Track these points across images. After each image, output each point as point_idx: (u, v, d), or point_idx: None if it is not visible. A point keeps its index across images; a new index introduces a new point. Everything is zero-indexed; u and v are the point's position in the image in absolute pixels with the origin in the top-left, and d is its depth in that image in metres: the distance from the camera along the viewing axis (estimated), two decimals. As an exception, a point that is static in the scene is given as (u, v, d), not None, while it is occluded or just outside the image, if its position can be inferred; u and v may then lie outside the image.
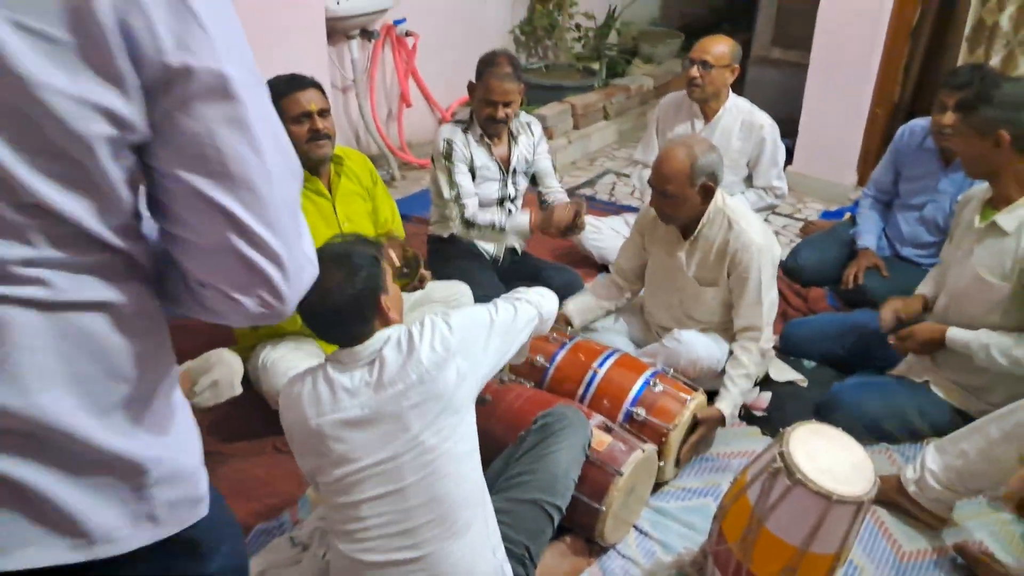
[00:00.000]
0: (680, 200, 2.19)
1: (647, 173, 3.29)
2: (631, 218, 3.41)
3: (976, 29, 3.42)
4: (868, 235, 3.05)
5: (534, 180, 3.03)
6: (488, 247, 2.98)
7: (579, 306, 2.55)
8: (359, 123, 4.27)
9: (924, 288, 2.45)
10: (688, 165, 2.14)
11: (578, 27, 5.34)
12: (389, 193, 2.58)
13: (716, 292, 2.34)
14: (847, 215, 3.81)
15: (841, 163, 4.10)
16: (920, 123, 2.93)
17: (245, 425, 2.27)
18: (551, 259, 3.29)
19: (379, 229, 2.46)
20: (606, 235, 3.35)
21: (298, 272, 0.83)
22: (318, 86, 2.21)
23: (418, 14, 4.26)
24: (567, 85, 4.98)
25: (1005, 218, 2.09)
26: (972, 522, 2.03)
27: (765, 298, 2.23)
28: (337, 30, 3.88)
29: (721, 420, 2.21)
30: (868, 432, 2.28)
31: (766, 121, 3.11)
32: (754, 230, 2.24)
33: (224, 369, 2.03)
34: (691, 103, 3.14)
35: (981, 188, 2.28)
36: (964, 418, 2.25)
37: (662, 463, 2.07)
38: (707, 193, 2.20)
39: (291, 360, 2.19)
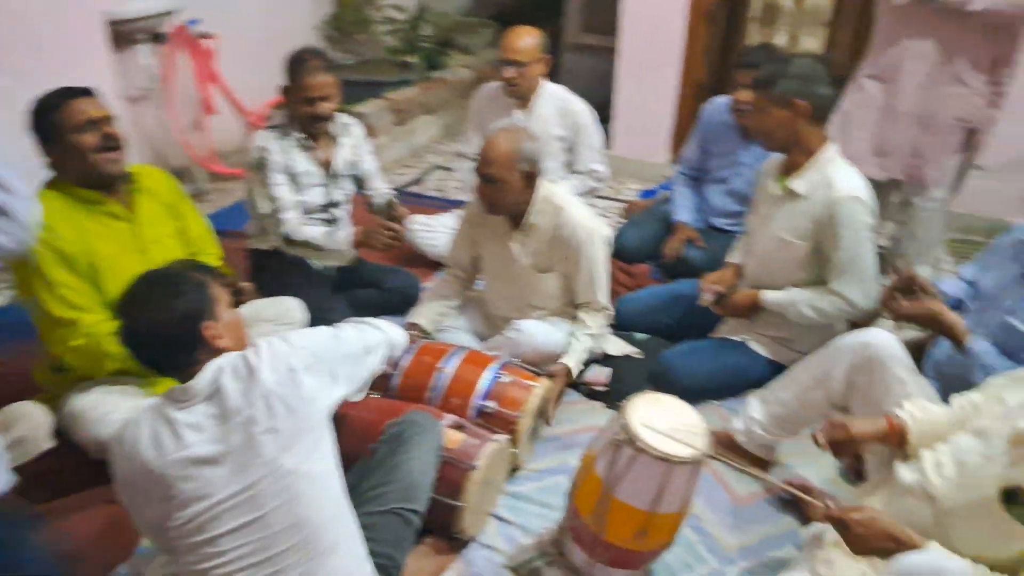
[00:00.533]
0: (502, 185, 2.23)
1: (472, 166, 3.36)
2: (461, 213, 3.44)
3: (764, 11, 3.71)
4: (683, 210, 3.25)
5: (360, 183, 2.98)
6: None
7: (427, 312, 2.55)
8: (158, 135, 3.98)
9: (734, 257, 2.66)
10: (511, 150, 2.19)
11: (390, 20, 5.28)
12: (197, 208, 2.41)
13: (553, 278, 2.41)
14: (662, 192, 4.05)
15: (655, 143, 4.34)
16: (721, 100, 3.16)
17: (65, 480, 2.04)
18: (384, 261, 3.25)
19: (191, 248, 2.31)
20: (438, 232, 3.36)
21: None
22: (94, 95, 2.03)
23: (214, 14, 4.00)
24: (384, 80, 4.93)
25: (798, 182, 2.29)
26: (792, 460, 2.24)
27: (600, 276, 2.34)
28: (122, 35, 3.58)
29: (568, 373, 2.32)
30: (698, 392, 2.45)
31: (581, 106, 3.23)
32: (582, 214, 2.34)
33: (29, 423, 1.86)
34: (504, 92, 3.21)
35: (776, 159, 2.50)
36: (779, 369, 2.48)
37: (515, 450, 2.12)
38: (529, 180, 2.26)
39: (105, 404, 2.01)
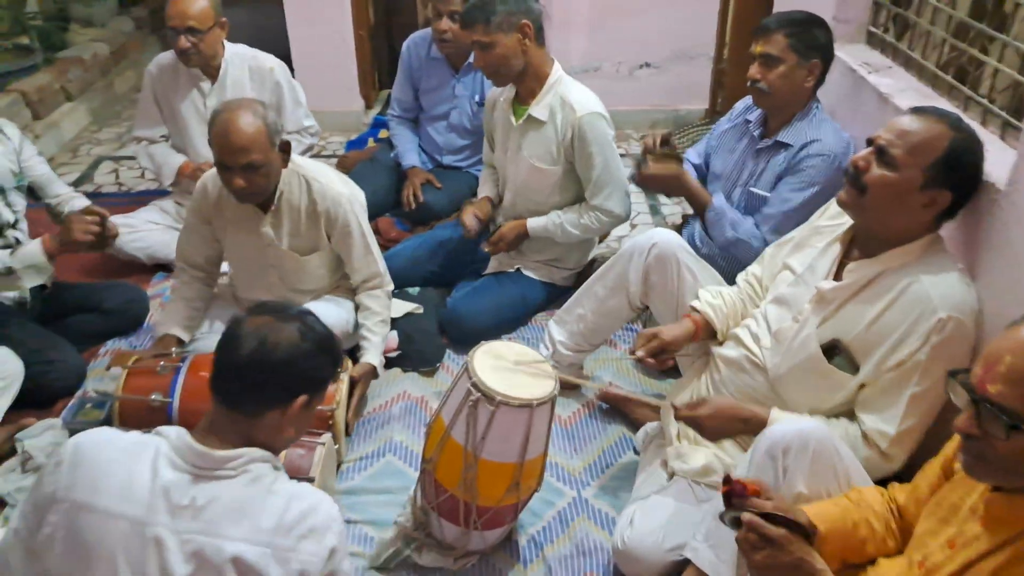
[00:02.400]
0: (267, 168, 1.95)
1: (159, 149, 2.91)
2: (165, 203, 3.01)
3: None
4: (409, 154, 3.15)
5: (34, 194, 2.43)
6: (8, 294, 2.34)
7: (178, 319, 2.19)
8: None
9: (484, 191, 2.64)
10: (263, 125, 1.90)
11: (-14, -2, 4.34)
12: None
13: (319, 256, 2.19)
14: (370, 141, 3.90)
15: (344, 91, 4.14)
16: (421, 35, 3.07)
17: None
18: (91, 279, 2.73)
19: None
20: (144, 231, 2.89)
21: None
22: None
23: None
24: (4, 70, 4.06)
25: (537, 110, 2.32)
26: (596, 371, 2.35)
27: (372, 245, 2.18)
28: None
29: (374, 372, 2.17)
30: (489, 330, 2.44)
31: (274, 62, 2.93)
32: (335, 183, 2.14)
33: None
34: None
35: (500, 89, 2.50)
36: (555, 289, 2.57)
37: (337, 445, 1.94)
38: (286, 151, 2.01)
39: None
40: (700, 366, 1.87)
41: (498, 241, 2.45)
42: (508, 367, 1.62)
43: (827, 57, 2.05)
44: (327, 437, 1.85)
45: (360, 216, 2.17)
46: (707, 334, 1.81)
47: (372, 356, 2.15)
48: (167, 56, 2.86)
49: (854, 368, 1.52)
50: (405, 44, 3.13)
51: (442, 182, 3.09)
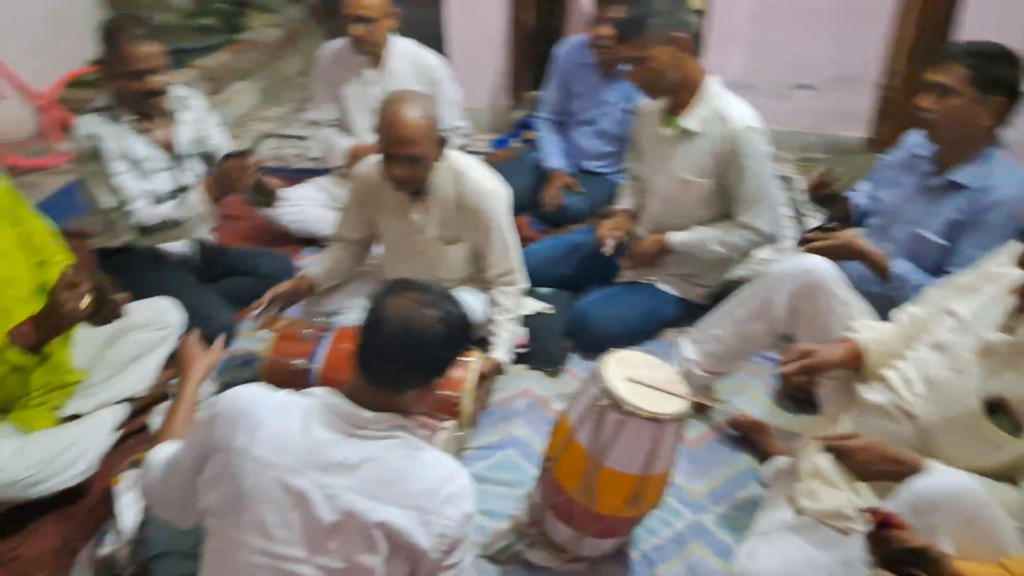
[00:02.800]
0: (426, 160, 2.03)
1: (331, 133, 3.07)
2: (323, 181, 3.17)
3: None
4: (553, 156, 3.18)
5: (211, 161, 2.62)
6: (175, 246, 2.54)
7: (320, 268, 2.32)
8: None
9: (624, 203, 2.63)
10: (429, 119, 1.98)
11: (182, -19, 4.71)
12: (36, 210, 2.01)
13: (461, 247, 2.25)
14: (513, 142, 3.96)
15: (494, 90, 4.22)
16: (576, 39, 3.09)
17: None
18: (248, 245, 2.92)
19: (38, 256, 1.92)
20: (301, 206, 3.06)
21: None
22: None
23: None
24: (189, 47, 4.40)
25: (690, 121, 2.28)
26: (727, 395, 2.29)
27: (513, 241, 2.22)
28: None
29: (499, 368, 2.19)
30: (617, 339, 2.41)
31: (435, 60, 3.04)
32: (483, 176, 2.18)
33: None
34: (352, 50, 2.95)
35: (650, 100, 2.47)
36: (689, 305, 2.52)
37: (461, 433, 1.98)
38: (443, 145, 2.08)
39: None
40: (841, 403, 1.79)
41: (638, 256, 2.44)
42: (641, 378, 1.60)
43: (1013, 95, 1.89)
44: (449, 423, 1.89)
45: (504, 212, 2.22)
46: (857, 365, 1.73)
47: (500, 352, 2.18)
48: (337, 43, 3.02)
49: (1016, 429, 1.41)
50: (559, 48, 3.16)
51: (583, 187, 3.10)
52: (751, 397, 2.29)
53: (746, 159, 2.21)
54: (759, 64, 3.82)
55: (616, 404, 1.53)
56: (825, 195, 2.16)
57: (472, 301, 2.26)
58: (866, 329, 1.74)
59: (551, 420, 2.09)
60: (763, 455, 2.04)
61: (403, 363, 1.27)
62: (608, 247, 2.46)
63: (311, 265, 2.38)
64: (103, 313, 1.76)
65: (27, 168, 3.61)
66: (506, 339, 2.20)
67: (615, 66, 2.96)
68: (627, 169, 2.69)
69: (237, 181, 2.30)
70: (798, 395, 2.22)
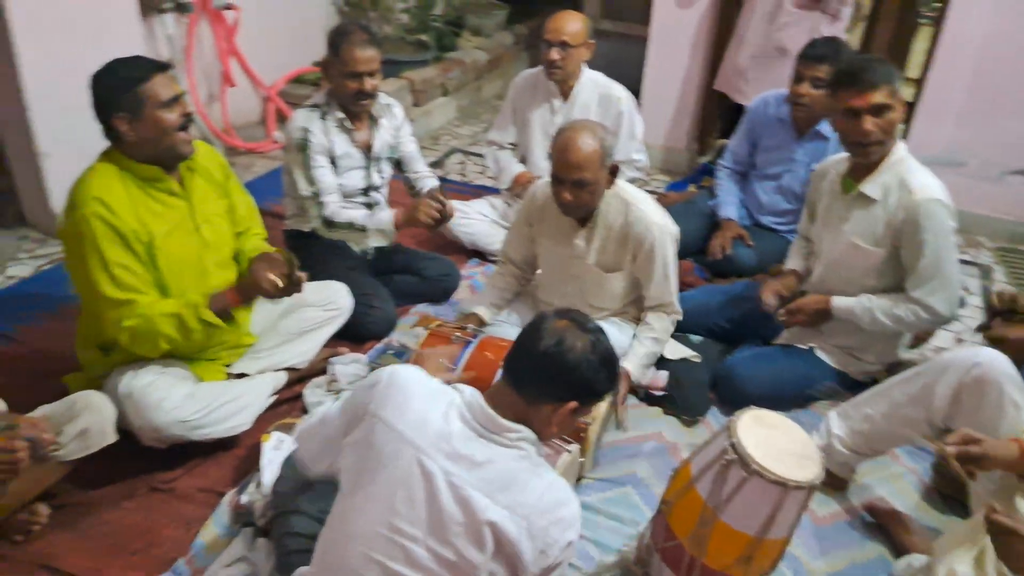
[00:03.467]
0: (595, 186, 2.10)
1: (504, 155, 3.21)
2: (496, 200, 3.31)
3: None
4: (729, 206, 3.14)
5: (399, 166, 2.82)
6: (355, 245, 2.75)
7: (485, 301, 2.42)
8: (177, 106, 3.81)
9: (792, 263, 2.55)
10: (599, 147, 2.04)
11: (406, -1, 5.09)
12: (242, 185, 2.26)
13: (620, 277, 2.28)
14: (690, 186, 3.94)
15: (681, 133, 4.22)
16: (774, 94, 3.04)
17: (110, 466, 1.92)
18: (420, 247, 3.10)
19: (238, 227, 2.16)
20: (473, 220, 3.22)
21: None
22: (171, 71, 1.88)
23: (235, -15, 3.85)
24: (402, 60, 4.74)
25: (870, 187, 2.18)
26: (870, 479, 2.15)
27: (673, 277, 2.22)
28: (149, 4, 3.42)
29: (628, 376, 2.21)
30: (762, 401, 2.32)
31: (623, 94, 3.09)
32: (652, 209, 2.21)
33: (94, 415, 1.73)
34: (546, 81, 3.06)
35: (834, 161, 2.39)
36: (845, 379, 2.39)
37: (582, 459, 2.00)
38: (614, 174, 2.13)
39: (162, 387, 1.90)
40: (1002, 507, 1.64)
41: (796, 312, 2.34)
42: (774, 439, 1.56)
43: None
44: (574, 447, 1.92)
45: (668, 246, 2.23)
46: (1022, 473, 1.58)
47: (631, 362, 2.20)
48: (532, 72, 3.16)
49: None
50: (755, 100, 3.12)
51: (755, 241, 3.03)
52: (898, 488, 2.12)
53: (925, 232, 2.09)
54: (971, 142, 3.54)
55: (743, 460, 1.50)
56: (1006, 310, 1.97)
57: (618, 335, 2.28)
58: (1043, 437, 1.58)
59: (676, 466, 2.07)
60: (898, 549, 1.89)
61: (548, 374, 1.34)
62: (770, 305, 2.40)
63: (474, 300, 2.51)
64: (284, 285, 1.95)
65: (241, 149, 4.03)
66: (642, 354, 2.20)
67: (811, 125, 2.89)
68: (799, 229, 2.61)
69: (423, 219, 2.49)
70: (950, 493, 2.05)
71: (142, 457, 1.96)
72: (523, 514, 1.26)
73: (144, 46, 3.28)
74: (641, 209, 2.19)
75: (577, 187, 2.08)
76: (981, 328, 1.96)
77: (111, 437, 1.76)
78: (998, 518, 1.37)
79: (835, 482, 2.07)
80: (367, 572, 1.28)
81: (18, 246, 3.07)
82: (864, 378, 2.39)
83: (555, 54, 2.91)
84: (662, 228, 2.19)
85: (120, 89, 1.77)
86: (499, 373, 1.97)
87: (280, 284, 1.87)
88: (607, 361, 1.38)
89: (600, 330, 1.40)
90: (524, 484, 1.28)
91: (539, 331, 1.35)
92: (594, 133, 2.05)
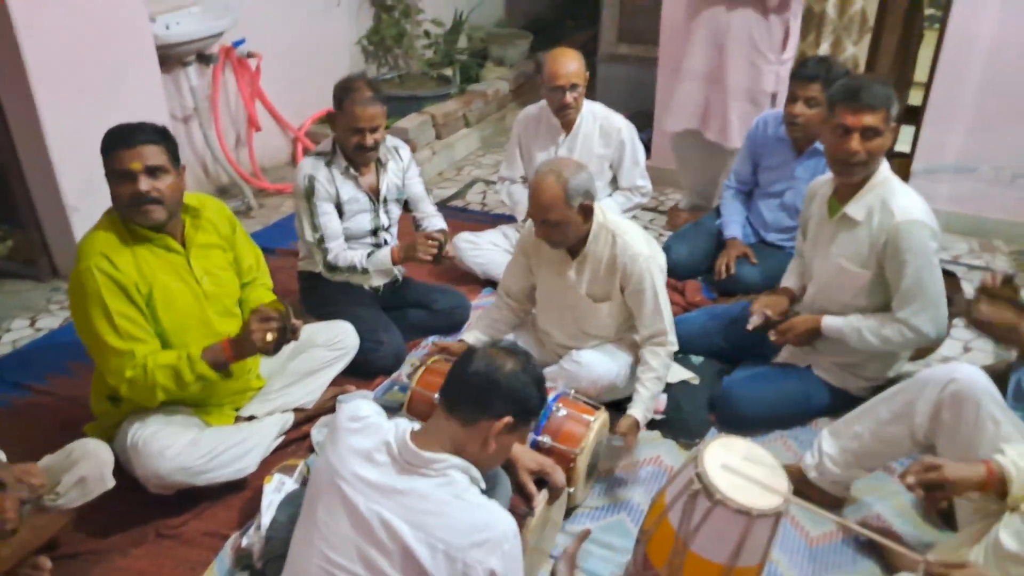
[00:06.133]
0: (564, 225, 2.17)
1: (516, 189, 3.30)
2: (508, 230, 3.39)
3: (806, 18, 3.60)
4: (734, 225, 3.16)
5: (407, 206, 2.93)
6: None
7: (477, 331, 2.49)
8: (205, 153, 4.02)
9: (788, 281, 2.56)
10: (561, 190, 2.12)
11: (427, 34, 5.24)
12: (250, 237, 2.36)
13: (610, 307, 2.34)
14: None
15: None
16: (772, 114, 3.06)
17: (118, 513, 2.03)
18: (431, 280, 3.20)
19: (244, 278, 2.28)
20: (485, 250, 3.30)
21: None
22: (156, 140, 1.92)
23: (257, 33, 4.05)
24: (424, 95, 4.89)
25: (854, 208, 2.19)
26: (868, 497, 2.14)
27: (664, 306, 2.26)
28: (171, 58, 3.62)
29: (636, 426, 2.21)
30: (761, 421, 2.37)
31: (622, 123, 3.16)
32: (639, 241, 2.25)
33: (92, 463, 1.80)
34: (549, 115, 3.14)
35: (822, 181, 2.40)
36: (845, 396, 2.38)
37: (572, 489, 2.04)
38: (587, 212, 2.19)
39: (165, 436, 1.99)
40: (980, 531, 1.63)
41: (787, 331, 2.35)
42: (742, 467, 1.59)
43: None
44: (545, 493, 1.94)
45: (656, 276, 2.27)
46: (998, 493, 1.57)
47: (637, 409, 2.21)
48: (535, 108, 3.24)
49: None
50: (755, 120, 3.14)
51: (760, 259, 3.05)
52: (895, 505, 2.11)
53: (906, 254, 2.08)
54: (982, 148, 3.47)
55: (707, 490, 1.53)
56: (1005, 295, 1.95)
57: (610, 363, 2.32)
58: (1016, 455, 1.57)
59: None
60: (890, 569, 1.89)
61: (480, 390, 1.47)
62: (753, 321, 2.41)
63: (466, 329, 2.59)
64: (284, 334, 2.04)
65: (270, 191, 4.21)
66: (645, 398, 2.23)
67: (809, 143, 2.90)
68: (795, 247, 2.62)
69: (418, 256, 2.63)
70: (942, 511, 2.03)
71: (152, 504, 2.05)
72: (440, 537, 1.36)
73: (165, 100, 3.45)
74: (625, 240, 2.24)
75: (547, 226, 2.17)
76: (967, 310, 1.95)
77: (109, 483, 1.83)
78: (935, 570, 1.42)
79: (830, 501, 2.07)
80: None
81: (49, 297, 3.23)
82: (863, 394, 2.37)
83: (569, 98, 2.99)
84: (648, 258, 2.24)
85: (102, 155, 1.90)
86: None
87: (271, 339, 1.93)
88: (537, 379, 1.54)
89: (529, 355, 1.57)
90: (444, 510, 1.38)
91: (470, 359, 1.51)
92: (559, 176, 2.13)
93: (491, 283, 3.27)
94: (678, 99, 3.59)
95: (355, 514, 1.39)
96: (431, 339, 2.92)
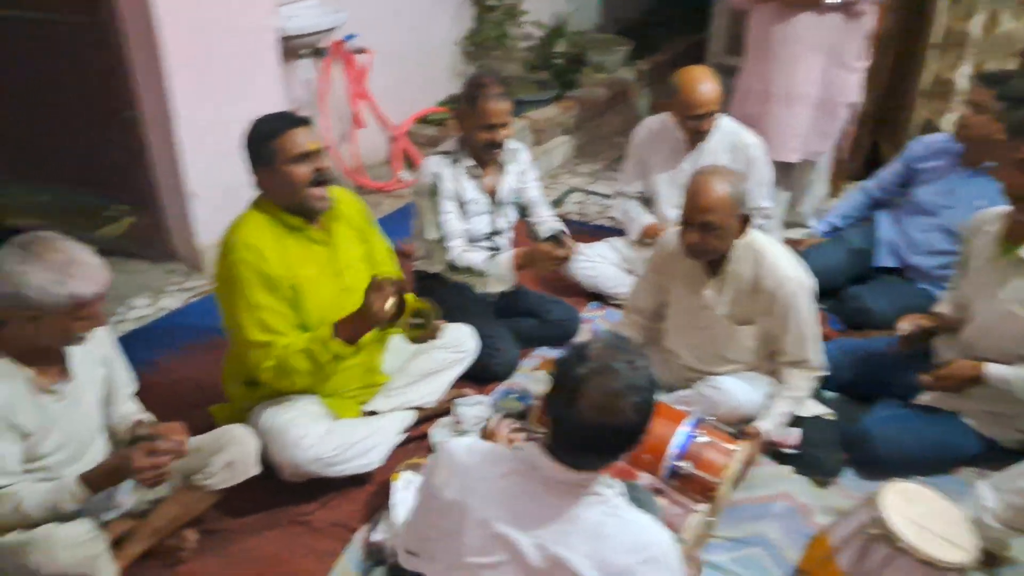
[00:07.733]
0: (723, 231, 2.07)
1: (632, 206, 3.19)
2: (617, 242, 3.29)
3: (946, 37, 3.44)
4: (835, 217, 3.18)
5: (523, 210, 2.87)
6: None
7: None
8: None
9: (942, 307, 2.41)
10: (729, 193, 2.03)
11: (528, 36, 5.19)
12: (381, 231, 2.36)
13: (752, 330, 2.23)
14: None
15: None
16: (931, 139, 2.95)
17: (254, 496, 2.04)
18: (541, 290, 3.13)
19: (376, 270, 2.24)
20: (595, 263, 3.21)
21: None
22: (311, 125, 1.97)
23: (364, 29, 4.04)
24: (525, 99, 4.83)
25: None
26: (1026, 556, 2.00)
27: (811, 332, 2.15)
28: (288, 50, 3.64)
29: (758, 437, 2.14)
30: (899, 466, 2.22)
31: (753, 140, 3.03)
32: (785, 262, 2.15)
33: (239, 448, 1.86)
34: (672, 129, 3.03)
35: (987, 217, 2.25)
36: (993, 446, 2.23)
37: (713, 518, 1.95)
38: (744, 223, 2.10)
39: (301, 424, 2.01)
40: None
41: (946, 378, 2.20)
42: (922, 516, 1.48)
43: None
44: (704, 507, 1.88)
45: (804, 300, 2.16)
46: None
47: (767, 422, 2.13)
48: (656, 121, 3.13)
49: None
50: (911, 143, 3.03)
51: (898, 295, 2.86)
52: (1058, 570, 1.97)
53: None
54: None
55: (889, 537, 1.43)
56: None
57: (750, 391, 2.22)
58: None
59: (809, 530, 1.99)
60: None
61: (595, 450, 1.30)
62: (903, 330, 2.30)
63: None
64: (425, 328, 2.01)
65: (370, 188, 4.21)
66: (776, 412, 2.13)
67: (977, 160, 2.73)
68: (949, 284, 2.47)
69: (541, 263, 2.55)
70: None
71: (283, 490, 2.08)
72: (608, 559, 1.26)
73: (283, 91, 3.46)
74: (773, 261, 2.14)
75: (704, 230, 2.06)
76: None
77: (255, 469, 1.88)
78: None
79: (986, 558, 1.93)
80: None
81: (166, 279, 3.30)
82: (1015, 446, 2.22)
83: (707, 125, 2.90)
84: (796, 281, 2.13)
85: (258, 142, 1.90)
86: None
87: (388, 307, 1.89)
88: (650, 413, 1.31)
89: (636, 371, 1.29)
90: (605, 531, 1.28)
91: (576, 400, 1.25)
92: (727, 179, 2.04)
93: (598, 296, 3.19)
94: (784, 126, 3.40)
95: (518, 550, 1.30)
96: (540, 349, 2.85)
